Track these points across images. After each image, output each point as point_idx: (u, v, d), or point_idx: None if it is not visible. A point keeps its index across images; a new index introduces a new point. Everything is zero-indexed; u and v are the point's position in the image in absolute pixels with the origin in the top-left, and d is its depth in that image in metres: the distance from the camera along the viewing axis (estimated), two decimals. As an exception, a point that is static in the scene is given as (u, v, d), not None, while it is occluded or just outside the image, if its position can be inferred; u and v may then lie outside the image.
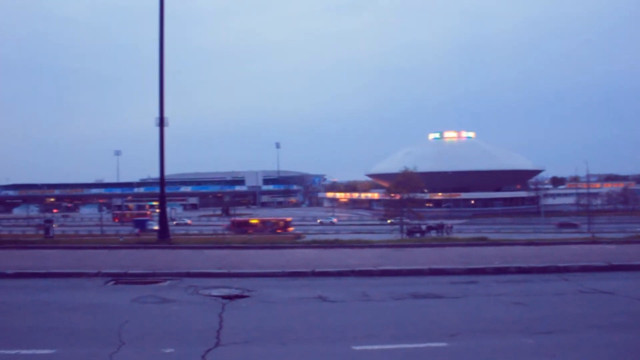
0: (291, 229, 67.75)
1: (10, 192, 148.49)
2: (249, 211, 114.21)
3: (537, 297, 9.59)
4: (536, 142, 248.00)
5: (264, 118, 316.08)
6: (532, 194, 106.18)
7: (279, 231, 63.28)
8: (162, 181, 18.69)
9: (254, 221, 71.68)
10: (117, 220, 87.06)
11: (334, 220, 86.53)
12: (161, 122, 18.23)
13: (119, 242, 19.18)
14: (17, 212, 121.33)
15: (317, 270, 11.87)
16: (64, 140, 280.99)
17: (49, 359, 5.90)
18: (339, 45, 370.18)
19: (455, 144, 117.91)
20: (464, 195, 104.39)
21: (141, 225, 67.70)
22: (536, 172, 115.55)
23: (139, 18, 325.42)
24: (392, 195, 61.91)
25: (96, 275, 11.55)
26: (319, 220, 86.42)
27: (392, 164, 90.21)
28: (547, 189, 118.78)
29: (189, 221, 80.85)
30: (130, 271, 11.74)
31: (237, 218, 78.75)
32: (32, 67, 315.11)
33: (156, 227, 64.34)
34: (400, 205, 58.31)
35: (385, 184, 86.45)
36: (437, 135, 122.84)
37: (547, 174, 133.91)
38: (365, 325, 7.52)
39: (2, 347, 6.19)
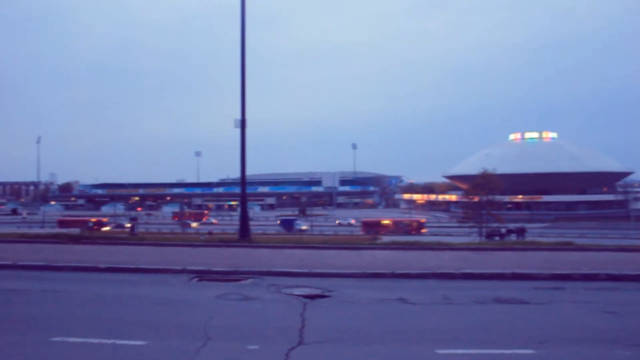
0: (424, 230, 65.19)
1: (99, 191, 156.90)
2: (325, 212, 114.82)
3: (631, 307, 9.13)
4: (626, 143, 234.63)
5: (341, 119, 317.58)
6: (620, 197, 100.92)
7: (412, 232, 60.85)
8: (243, 181, 19.06)
9: (385, 222, 68.72)
10: (176, 219, 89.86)
11: (352, 221, 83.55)
12: (243, 124, 18.62)
13: (199, 241, 19.70)
14: (105, 209, 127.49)
15: (397, 272, 11.78)
16: (148, 142, 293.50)
17: (142, 350, 6.13)
18: (415, 45, 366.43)
19: (536, 145, 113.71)
20: (545, 198, 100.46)
21: (289, 225, 68.57)
22: (625, 174, 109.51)
23: (219, 21, 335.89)
24: (471, 197, 60.37)
25: (181, 271, 11.97)
26: (337, 222, 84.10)
27: (471, 166, 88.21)
28: (638, 192, 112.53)
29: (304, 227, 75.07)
30: (214, 269, 12.08)
31: (369, 218, 76.23)
32: (119, 71, 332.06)
33: (304, 227, 65.48)
34: (478, 208, 56.89)
35: (464, 186, 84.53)
36: (517, 135, 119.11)
37: (638, 176, 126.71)
38: (448, 328, 7.40)
39: (100, 337, 6.52)
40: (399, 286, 10.60)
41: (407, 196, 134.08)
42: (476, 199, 57.69)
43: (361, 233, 60.88)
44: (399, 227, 64.66)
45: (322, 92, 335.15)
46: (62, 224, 67.81)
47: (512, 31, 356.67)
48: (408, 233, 58.99)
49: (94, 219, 67.64)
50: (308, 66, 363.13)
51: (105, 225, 66.59)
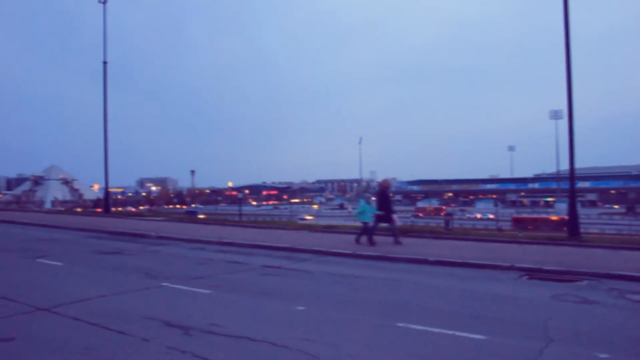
0: None
1: (414, 187, 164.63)
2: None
3: None
4: None
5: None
6: None
7: None
8: (571, 176, 17.73)
9: None
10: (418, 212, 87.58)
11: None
12: (570, 114, 17.27)
13: (518, 237, 19.12)
14: (419, 205, 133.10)
15: None
16: (462, 137, 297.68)
17: (482, 344, 6.14)
18: None
19: None
20: None
21: None
22: None
23: (528, 10, 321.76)
24: None
25: (509, 268, 11.78)
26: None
27: None
28: None
29: None
30: (544, 267, 11.57)
31: None
32: (434, 69, 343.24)
33: None
34: None
35: None
36: None
37: None
38: None
39: (440, 327, 6.74)
40: None
41: None
42: None
43: None
44: None
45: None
46: (517, 222, 65.67)
47: None
48: None
49: (554, 218, 59.97)
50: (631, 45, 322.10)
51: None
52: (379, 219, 16.32)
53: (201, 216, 52.57)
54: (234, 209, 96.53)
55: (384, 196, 16.56)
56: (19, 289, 9.08)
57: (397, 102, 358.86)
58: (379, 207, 16.32)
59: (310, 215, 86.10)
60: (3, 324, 6.73)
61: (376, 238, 16.40)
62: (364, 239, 16.36)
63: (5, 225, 25.98)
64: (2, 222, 27.25)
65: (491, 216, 79.05)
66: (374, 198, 17.28)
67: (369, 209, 16.41)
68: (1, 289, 9.03)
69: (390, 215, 16.31)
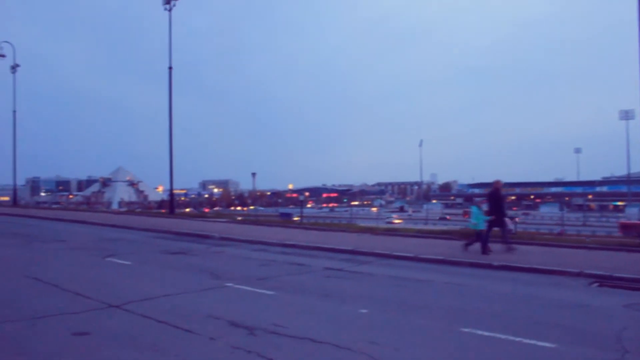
0: None
1: (476, 190, 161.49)
2: None
3: None
4: None
5: None
6: None
7: None
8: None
9: None
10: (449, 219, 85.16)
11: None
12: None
13: (585, 242, 18.40)
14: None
15: None
16: (526, 139, 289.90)
17: (551, 353, 5.94)
18: None
19: None
20: None
21: None
22: None
23: (597, 6, 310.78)
24: None
25: (578, 275, 11.37)
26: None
27: None
28: None
29: None
30: (615, 274, 11.10)
31: None
32: (494, 71, 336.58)
33: None
34: None
35: None
36: None
37: None
38: None
39: (506, 333, 6.56)
40: None
41: None
42: None
43: None
44: None
45: None
46: (625, 228, 62.36)
47: None
48: None
49: None
50: None
51: None
52: (491, 223, 14.99)
53: (296, 218, 53.69)
54: (295, 211, 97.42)
55: (498, 198, 15.16)
56: (92, 286, 9.44)
57: (460, 104, 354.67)
58: (492, 211, 15.02)
59: (399, 219, 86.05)
60: (79, 319, 7.03)
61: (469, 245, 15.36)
62: (475, 246, 15.04)
63: (77, 225, 27.09)
64: (74, 222, 28.45)
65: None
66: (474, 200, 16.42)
67: (482, 216, 15.07)
68: (75, 285, 9.43)
69: (503, 219, 15.18)
